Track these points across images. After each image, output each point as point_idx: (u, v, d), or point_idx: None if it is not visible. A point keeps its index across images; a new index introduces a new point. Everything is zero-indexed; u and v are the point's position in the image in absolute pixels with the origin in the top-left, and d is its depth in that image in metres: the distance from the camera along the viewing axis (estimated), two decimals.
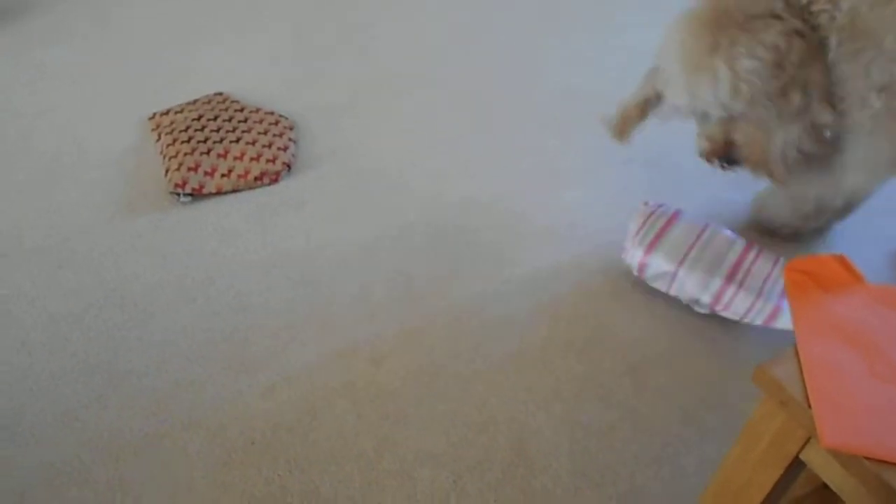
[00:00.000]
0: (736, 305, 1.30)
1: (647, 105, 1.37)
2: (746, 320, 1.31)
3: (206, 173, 1.64)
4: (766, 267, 1.32)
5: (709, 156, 1.32)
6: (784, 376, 0.68)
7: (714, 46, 1.18)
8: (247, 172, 1.66)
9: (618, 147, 1.83)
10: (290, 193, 1.68)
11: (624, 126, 1.42)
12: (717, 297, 1.31)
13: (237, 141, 1.71)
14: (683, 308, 1.41)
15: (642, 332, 1.38)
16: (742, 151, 1.27)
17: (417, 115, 1.96)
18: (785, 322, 1.29)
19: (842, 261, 0.78)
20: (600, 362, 1.32)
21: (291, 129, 1.82)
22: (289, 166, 1.72)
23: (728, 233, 1.41)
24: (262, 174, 1.67)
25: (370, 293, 1.45)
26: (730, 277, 1.31)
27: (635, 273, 1.42)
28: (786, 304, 1.28)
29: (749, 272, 1.32)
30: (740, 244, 1.37)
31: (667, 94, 1.30)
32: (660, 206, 1.46)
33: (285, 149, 1.74)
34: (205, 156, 1.66)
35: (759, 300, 1.27)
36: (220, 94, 1.94)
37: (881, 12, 1.12)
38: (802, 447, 0.68)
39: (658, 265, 1.37)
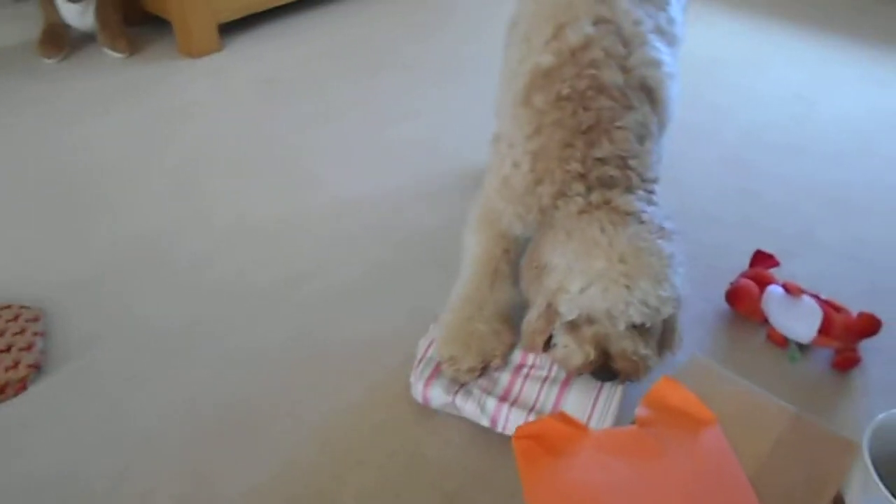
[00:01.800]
0: (511, 424, 1.33)
1: (552, 319, 1.27)
2: None
3: None
4: (536, 385, 1.37)
5: (585, 369, 1.22)
6: None
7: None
8: None
9: (404, 254, 1.83)
10: (43, 400, 1.48)
11: (535, 340, 1.32)
12: (494, 420, 1.34)
13: None
14: None
15: (454, 455, 1.35)
16: (619, 364, 1.19)
17: (192, 269, 1.82)
18: None
19: (563, 417, 0.80)
20: (415, 501, 1.27)
21: (37, 319, 1.62)
22: (38, 367, 1.53)
23: None
24: (4, 386, 1.46)
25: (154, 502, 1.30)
26: (503, 397, 1.35)
27: (422, 404, 1.42)
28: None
29: (522, 390, 1.36)
30: (514, 361, 1.42)
31: (562, 309, 1.21)
32: None
33: (29, 347, 1.54)
34: None
35: (531, 415, 1.31)
36: None
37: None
38: None
39: (439, 397, 1.38)
